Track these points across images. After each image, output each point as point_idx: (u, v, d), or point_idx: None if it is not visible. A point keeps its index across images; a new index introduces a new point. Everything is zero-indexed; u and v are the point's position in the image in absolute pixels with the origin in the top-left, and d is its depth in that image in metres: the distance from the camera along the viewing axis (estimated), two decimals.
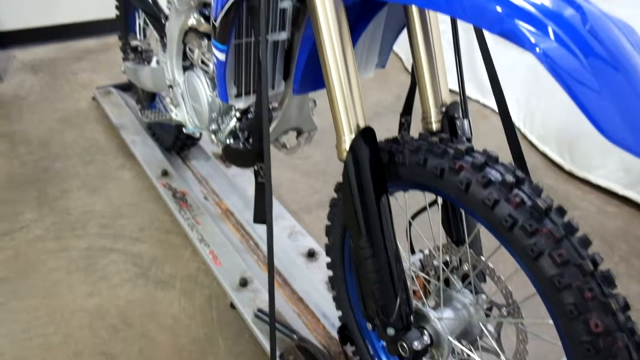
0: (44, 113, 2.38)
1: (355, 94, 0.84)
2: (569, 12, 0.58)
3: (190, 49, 1.33)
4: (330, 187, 1.03)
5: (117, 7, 2.00)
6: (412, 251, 1.05)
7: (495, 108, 0.93)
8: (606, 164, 1.94)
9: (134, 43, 1.83)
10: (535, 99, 2.25)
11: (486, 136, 2.27)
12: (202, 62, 1.24)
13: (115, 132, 2.24)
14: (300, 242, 1.66)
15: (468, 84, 2.42)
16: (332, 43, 0.82)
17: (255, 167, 0.99)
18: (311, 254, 1.61)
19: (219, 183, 1.94)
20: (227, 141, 1.28)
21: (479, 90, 2.57)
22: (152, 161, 1.99)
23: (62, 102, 2.47)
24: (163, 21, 1.43)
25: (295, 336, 1.26)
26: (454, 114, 0.92)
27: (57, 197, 1.90)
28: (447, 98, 0.94)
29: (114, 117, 2.24)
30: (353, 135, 0.84)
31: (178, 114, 1.48)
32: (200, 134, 1.70)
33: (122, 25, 2.05)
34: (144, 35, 1.86)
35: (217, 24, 0.94)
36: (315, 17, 0.82)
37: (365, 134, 0.83)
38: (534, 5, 0.57)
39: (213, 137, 1.37)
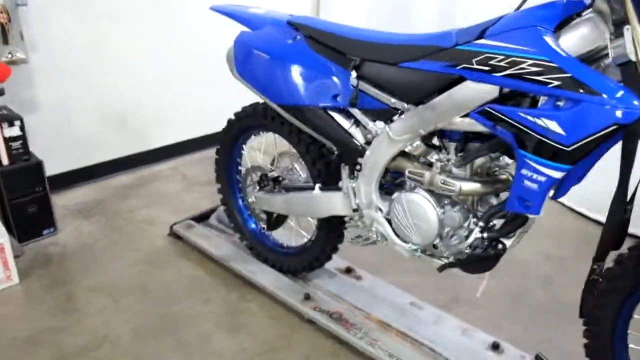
0: (123, 258, 2.25)
1: None
2: None
3: (411, 172, 1.43)
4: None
5: (221, 146, 2.07)
6: None
7: None
8: None
9: (272, 174, 1.88)
10: None
11: None
12: (444, 182, 1.35)
13: (211, 265, 2.18)
14: (477, 338, 1.73)
15: None
16: None
17: (595, 266, 1.10)
18: (496, 346, 1.68)
19: (356, 297, 1.95)
20: (467, 251, 1.38)
21: None
22: (284, 287, 1.97)
23: (135, 243, 2.35)
24: (360, 149, 1.53)
25: None
26: None
27: (199, 341, 1.79)
28: None
29: (215, 250, 2.19)
30: None
31: (378, 234, 1.56)
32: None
33: (225, 158, 2.10)
34: (272, 165, 1.93)
35: (570, 148, 1.09)
36: None
37: None
38: None
39: (427, 249, 1.46)
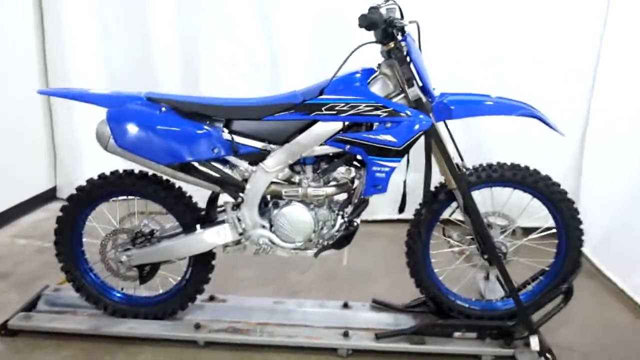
0: None
1: None
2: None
3: (286, 194, 2.00)
4: None
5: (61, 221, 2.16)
6: None
7: None
8: None
9: (147, 229, 2.10)
10: None
11: None
12: (315, 195, 1.98)
13: (74, 343, 2.16)
14: (331, 305, 2.39)
15: None
16: None
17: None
18: (346, 305, 2.38)
19: (232, 315, 2.28)
20: (337, 234, 2.03)
21: None
22: (172, 328, 2.19)
23: None
24: (241, 185, 2.00)
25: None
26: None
27: None
28: None
29: (78, 325, 2.19)
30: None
31: (265, 244, 2.05)
32: None
33: (68, 234, 2.18)
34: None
35: (400, 148, 1.84)
36: None
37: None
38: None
39: (305, 244, 2.06)
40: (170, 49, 3.53)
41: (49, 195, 3.80)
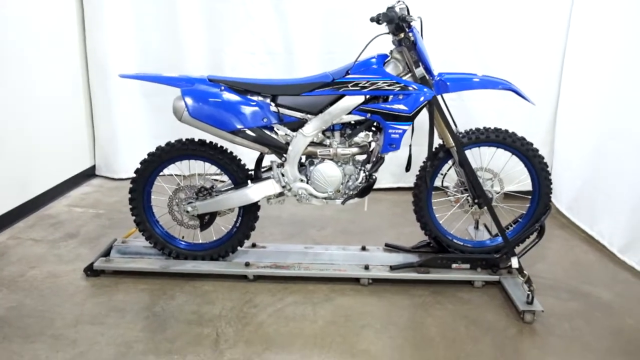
0: (70, 300, 2.49)
1: None
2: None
3: (320, 153, 2.53)
4: None
5: (136, 181, 2.66)
6: None
7: None
8: None
9: (208, 185, 2.62)
10: None
11: None
12: (343, 154, 2.52)
13: (147, 280, 2.68)
14: (352, 249, 2.94)
15: None
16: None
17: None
18: (364, 248, 2.93)
19: (271, 257, 2.81)
20: (360, 185, 2.57)
21: None
22: (226, 265, 2.72)
23: (64, 292, 2.56)
24: (285, 147, 2.53)
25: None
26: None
27: (179, 312, 2.41)
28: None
29: (151, 265, 2.70)
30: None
31: (303, 195, 2.58)
32: None
33: (141, 193, 2.68)
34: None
35: (410, 114, 2.38)
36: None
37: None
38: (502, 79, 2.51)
39: (334, 195, 2.60)
40: (198, 42, 4.03)
41: (90, 173, 4.29)
